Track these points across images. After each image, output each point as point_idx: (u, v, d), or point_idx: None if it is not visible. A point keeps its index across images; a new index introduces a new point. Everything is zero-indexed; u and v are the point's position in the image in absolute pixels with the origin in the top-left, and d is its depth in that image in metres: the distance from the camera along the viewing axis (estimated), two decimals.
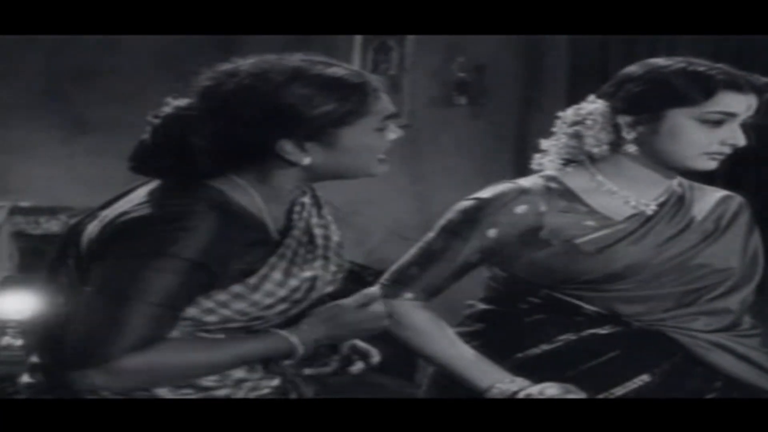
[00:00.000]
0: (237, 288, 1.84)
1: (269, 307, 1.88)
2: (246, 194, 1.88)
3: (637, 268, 2.16)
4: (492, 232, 2.19)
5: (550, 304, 2.22)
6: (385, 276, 2.28)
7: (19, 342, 4.12)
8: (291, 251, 1.92)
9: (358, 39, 5.30)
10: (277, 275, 1.88)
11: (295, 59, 1.87)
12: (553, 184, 2.23)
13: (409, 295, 2.24)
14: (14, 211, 4.77)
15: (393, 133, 1.93)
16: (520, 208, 2.19)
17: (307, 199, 2.01)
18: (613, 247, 2.16)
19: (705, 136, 2.15)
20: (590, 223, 2.19)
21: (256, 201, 1.89)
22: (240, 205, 1.87)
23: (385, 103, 1.91)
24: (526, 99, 4.65)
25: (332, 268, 2.01)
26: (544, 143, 2.28)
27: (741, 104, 2.14)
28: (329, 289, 2.02)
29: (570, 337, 2.20)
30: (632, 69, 2.21)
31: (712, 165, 2.19)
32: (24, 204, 4.81)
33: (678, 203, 2.26)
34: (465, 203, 2.24)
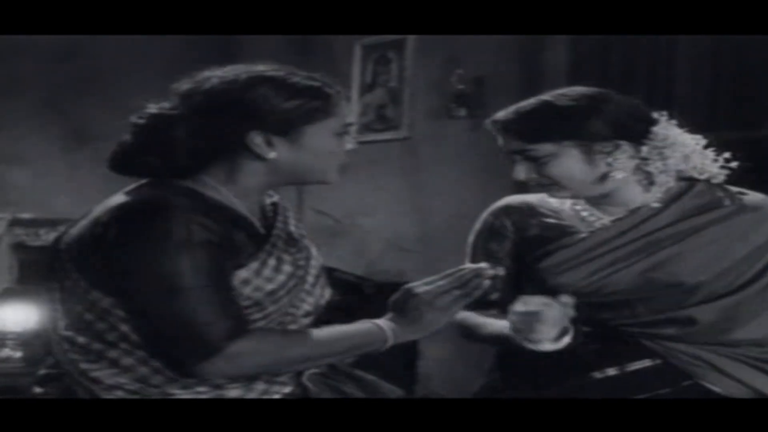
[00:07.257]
0: (243, 273, 1.95)
1: (270, 293, 1.98)
2: (217, 192, 2.00)
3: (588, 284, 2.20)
4: (495, 245, 2.31)
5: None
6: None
7: (18, 354, 4.11)
8: (281, 241, 2.05)
9: (357, 51, 5.31)
10: (272, 261, 1.99)
11: (266, 66, 2.00)
12: (534, 201, 2.32)
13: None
14: (14, 222, 4.77)
15: (349, 144, 2.06)
16: (497, 223, 2.32)
17: (276, 200, 2.13)
18: (571, 263, 2.22)
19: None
20: (555, 234, 2.25)
21: (229, 197, 2.00)
22: (215, 199, 1.98)
23: (346, 110, 2.04)
24: None
25: (312, 270, 2.12)
26: None
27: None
28: (327, 294, 2.13)
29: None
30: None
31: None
32: (24, 216, 4.82)
33: (643, 215, 2.25)
34: (475, 226, 2.37)
